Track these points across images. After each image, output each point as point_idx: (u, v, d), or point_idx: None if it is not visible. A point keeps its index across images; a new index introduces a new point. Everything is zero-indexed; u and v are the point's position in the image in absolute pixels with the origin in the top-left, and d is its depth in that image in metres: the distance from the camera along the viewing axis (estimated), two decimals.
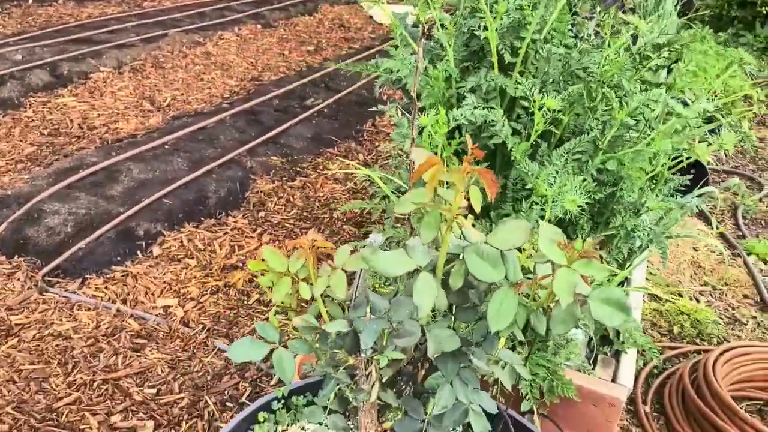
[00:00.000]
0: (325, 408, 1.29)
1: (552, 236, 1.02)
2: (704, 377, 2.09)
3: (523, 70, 1.70)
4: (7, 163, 3.28)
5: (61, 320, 2.25)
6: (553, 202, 1.48)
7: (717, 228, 3.46)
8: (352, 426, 1.32)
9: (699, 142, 4.08)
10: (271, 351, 1.15)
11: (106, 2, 6.67)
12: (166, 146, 3.54)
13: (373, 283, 1.62)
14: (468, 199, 1.02)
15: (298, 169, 3.57)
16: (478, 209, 1.00)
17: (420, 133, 1.70)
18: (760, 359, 2.27)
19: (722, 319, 2.77)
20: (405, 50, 1.82)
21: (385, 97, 4.71)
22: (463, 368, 1.17)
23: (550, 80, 1.67)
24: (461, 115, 1.56)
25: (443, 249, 1.06)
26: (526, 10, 1.60)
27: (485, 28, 1.59)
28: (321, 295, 1.20)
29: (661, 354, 2.46)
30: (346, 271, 1.19)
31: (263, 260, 1.16)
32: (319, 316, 1.24)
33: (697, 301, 2.86)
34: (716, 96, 4.92)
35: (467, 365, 1.17)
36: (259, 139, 3.74)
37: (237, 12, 6.69)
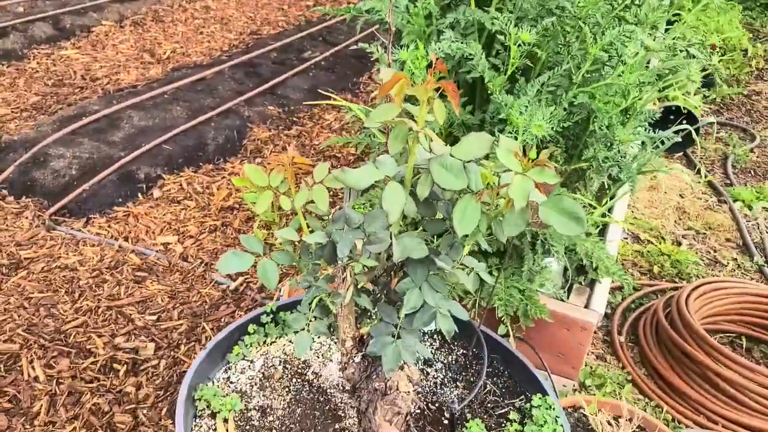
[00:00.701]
0: (306, 315, 1.40)
1: (510, 147, 1.12)
2: (677, 308, 2.20)
3: (501, 6, 1.77)
4: (12, 111, 3.38)
5: (67, 254, 2.38)
6: (524, 130, 1.57)
7: (705, 176, 3.54)
8: (333, 334, 1.43)
9: (694, 94, 4.13)
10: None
11: None
12: (166, 95, 3.63)
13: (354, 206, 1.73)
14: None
15: (294, 118, 3.65)
16: (441, 121, 1.09)
17: (401, 69, 1.78)
18: (734, 294, 2.37)
19: (703, 260, 2.87)
20: None
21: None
22: (431, 275, 1.28)
23: (527, 16, 1.74)
24: (439, 48, 1.63)
25: (410, 160, 1.16)
26: None
27: None
28: (302, 209, 1.30)
29: (638, 290, 2.57)
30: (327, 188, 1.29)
31: (246, 177, 1.26)
32: (300, 231, 1.35)
33: (679, 244, 2.96)
34: (714, 50, 4.93)
35: (435, 273, 1.28)
36: (257, 90, 3.81)
37: None
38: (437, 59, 1.07)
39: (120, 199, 2.75)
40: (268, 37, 4.94)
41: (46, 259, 2.34)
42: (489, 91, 1.72)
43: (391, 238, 1.20)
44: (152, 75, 4.01)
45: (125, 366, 1.94)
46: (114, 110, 3.35)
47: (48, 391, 1.82)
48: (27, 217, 2.56)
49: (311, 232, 1.34)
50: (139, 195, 2.80)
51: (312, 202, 1.30)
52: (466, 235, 1.17)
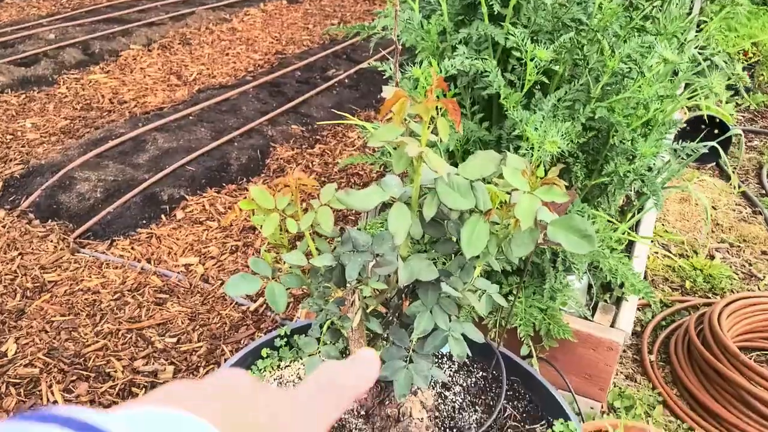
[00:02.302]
0: (318, 339, 1.38)
1: (517, 165, 1.08)
2: (709, 326, 2.11)
3: (515, 21, 1.74)
4: (41, 135, 3.45)
5: (90, 277, 2.40)
6: (539, 147, 1.53)
7: (738, 187, 3.43)
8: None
9: (726, 102, 4.03)
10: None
11: None
12: (191, 117, 3.67)
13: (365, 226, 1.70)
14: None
15: (317, 137, 3.65)
16: (445, 139, 1.07)
17: (415, 87, 1.76)
18: None
19: (738, 274, 2.77)
20: (402, 8, 1.87)
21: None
22: (442, 297, 1.24)
23: (542, 30, 1.71)
24: (452, 65, 1.61)
25: (416, 180, 1.13)
26: None
27: None
28: (311, 231, 1.28)
29: (670, 306, 2.48)
30: (332, 209, 1.26)
31: (253, 200, 1.25)
32: (309, 253, 1.32)
33: (712, 258, 2.86)
34: (746, 57, 4.80)
35: (447, 295, 1.24)
36: (281, 109, 3.83)
37: None
38: (439, 78, 1.04)
39: (143, 221, 2.77)
40: (293, 56, 4.98)
41: (69, 282, 2.37)
42: (505, 108, 1.68)
43: (398, 260, 1.17)
44: (178, 97, 4.07)
45: (144, 390, 1.94)
46: (139, 133, 3.40)
47: None
48: (52, 240, 2.60)
49: (319, 254, 1.32)
50: (163, 216, 2.82)
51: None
52: (476, 257, 1.13)
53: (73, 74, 4.28)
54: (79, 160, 3.06)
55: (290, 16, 6.04)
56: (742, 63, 4.20)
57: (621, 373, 2.19)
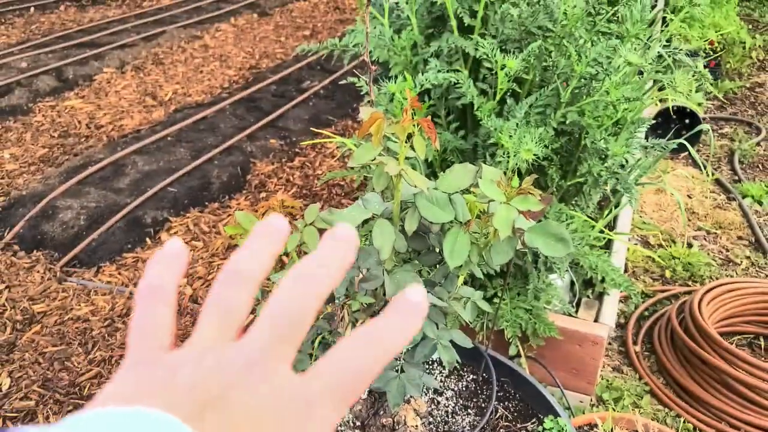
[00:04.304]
0: (310, 355, 1.41)
1: (492, 177, 1.12)
2: (690, 314, 2.18)
3: (484, 32, 1.79)
4: (20, 166, 3.45)
5: (79, 305, 2.41)
6: (514, 154, 1.58)
7: (711, 174, 3.51)
8: None
9: (696, 92, 4.12)
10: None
11: (107, 6, 6.80)
12: (169, 138, 3.68)
13: None
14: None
15: (296, 150, 3.68)
16: (422, 156, 1.11)
17: (391, 100, 1.80)
18: (749, 293, 2.34)
19: (716, 260, 2.84)
20: (372, 23, 1.91)
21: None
22: (429, 307, 1.28)
23: (511, 39, 1.76)
24: (426, 79, 1.65)
25: (396, 197, 1.17)
26: None
27: None
28: (297, 250, 1.32)
29: (651, 297, 2.54)
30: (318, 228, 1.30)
31: (238, 223, 1.28)
32: None
33: (690, 246, 2.93)
34: (712, 46, 4.90)
35: (433, 305, 1.28)
36: (258, 125, 3.86)
37: (233, 3, 6.79)
38: (413, 98, 1.09)
39: (128, 246, 2.78)
40: (267, 70, 5.01)
41: (59, 312, 2.37)
42: (479, 117, 1.73)
43: (383, 274, 1.21)
44: (155, 118, 4.08)
45: None
46: (119, 157, 3.40)
47: None
48: (39, 271, 2.60)
49: None
50: (147, 240, 2.83)
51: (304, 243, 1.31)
52: (459, 266, 1.17)
53: (48, 101, 4.27)
54: (60, 188, 3.06)
55: (261, 29, 6.07)
56: (709, 54, 4.30)
57: (608, 365, 2.24)
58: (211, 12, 6.42)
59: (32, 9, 6.41)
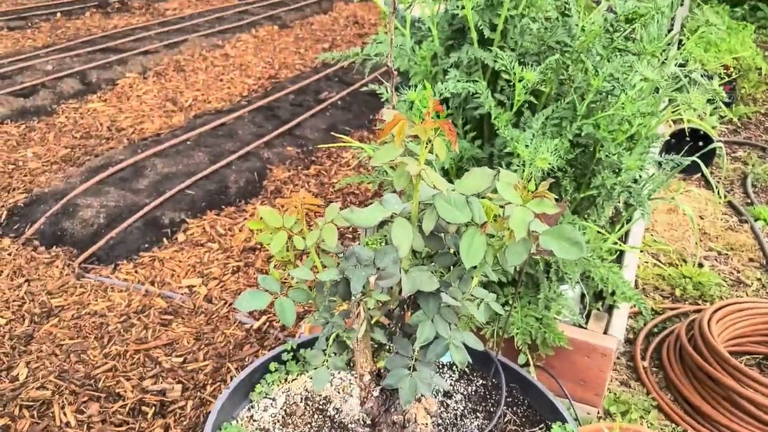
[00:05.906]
0: (325, 351, 1.44)
1: (509, 180, 1.16)
2: (699, 332, 2.19)
3: (503, 45, 1.83)
4: (43, 165, 3.52)
5: (96, 301, 2.45)
6: (530, 163, 1.61)
7: (724, 197, 3.53)
8: (351, 368, 1.47)
9: (710, 115, 4.17)
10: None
11: (131, 14, 6.94)
12: (188, 142, 3.75)
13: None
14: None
15: (312, 158, 3.74)
16: (443, 158, 1.14)
17: (410, 108, 1.84)
18: (759, 314, 2.35)
19: (726, 281, 2.85)
20: (394, 34, 1.96)
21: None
22: (443, 307, 1.31)
23: (529, 53, 1.80)
24: (445, 88, 1.69)
25: (415, 197, 1.21)
26: None
27: (464, 7, 1.73)
28: (316, 248, 1.35)
29: (661, 314, 2.56)
30: (338, 226, 1.34)
31: (261, 219, 1.32)
32: (315, 269, 1.39)
33: (701, 266, 2.94)
34: (728, 71, 4.94)
35: (447, 305, 1.31)
36: (276, 132, 3.92)
37: (254, 15, 6.91)
38: (434, 101, 1.13)
39: (146, 245, 2.84)
40: (286, 80, 5.08)
41: (76, 307, 2.42)
42: (496, 127, 1.77)
43: (400, 272, 1.24)
44: (175, 123, 4.15)
45: (153, 408, 1.99)
46: (138, 159, 3.47)
47: None
48: (57, 266, 2.65)
49: (324, 269, 1.39)
50: (164, 240, 2.88)
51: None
52: (475, 267, 1.20)
53: (71, 103, 4.36)
54: (81, 187, 3.12)
55: (282, 41, 6.16)
56: (724, 78, 4.32)
57: (616, 379, 2.25)
58: (232, 23, 6.53)
59: (58, 14, 6.55)
